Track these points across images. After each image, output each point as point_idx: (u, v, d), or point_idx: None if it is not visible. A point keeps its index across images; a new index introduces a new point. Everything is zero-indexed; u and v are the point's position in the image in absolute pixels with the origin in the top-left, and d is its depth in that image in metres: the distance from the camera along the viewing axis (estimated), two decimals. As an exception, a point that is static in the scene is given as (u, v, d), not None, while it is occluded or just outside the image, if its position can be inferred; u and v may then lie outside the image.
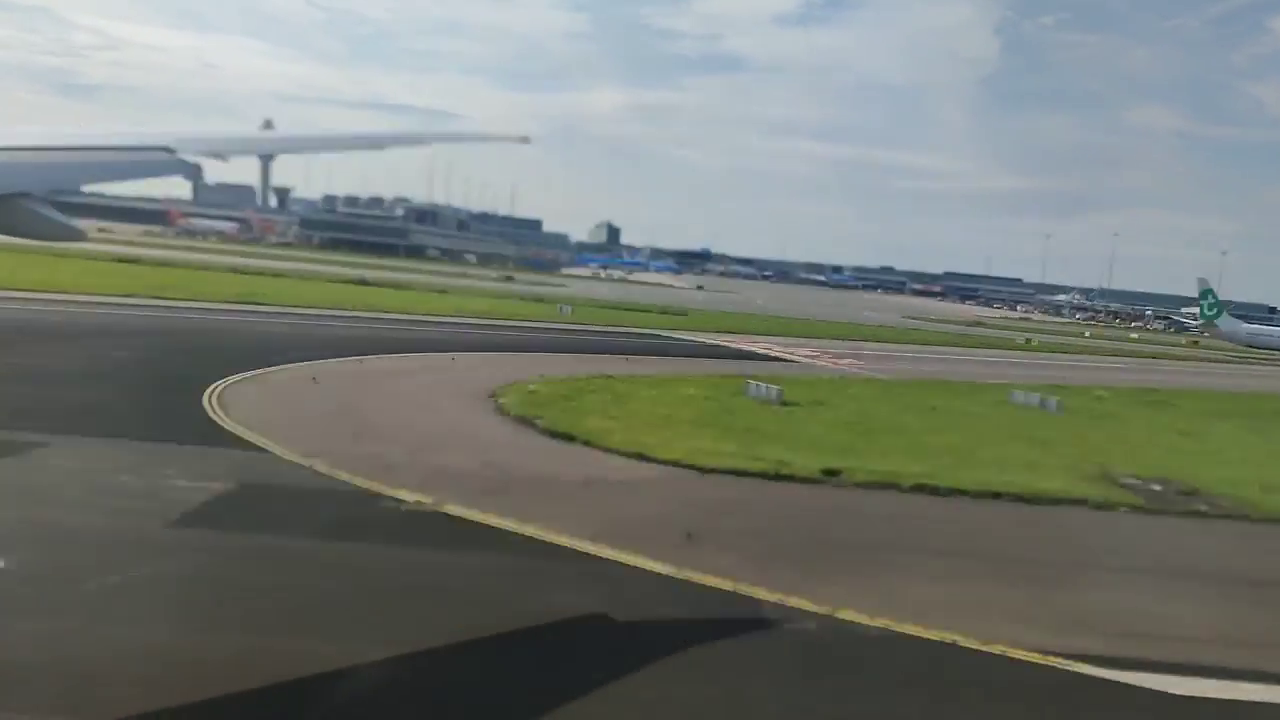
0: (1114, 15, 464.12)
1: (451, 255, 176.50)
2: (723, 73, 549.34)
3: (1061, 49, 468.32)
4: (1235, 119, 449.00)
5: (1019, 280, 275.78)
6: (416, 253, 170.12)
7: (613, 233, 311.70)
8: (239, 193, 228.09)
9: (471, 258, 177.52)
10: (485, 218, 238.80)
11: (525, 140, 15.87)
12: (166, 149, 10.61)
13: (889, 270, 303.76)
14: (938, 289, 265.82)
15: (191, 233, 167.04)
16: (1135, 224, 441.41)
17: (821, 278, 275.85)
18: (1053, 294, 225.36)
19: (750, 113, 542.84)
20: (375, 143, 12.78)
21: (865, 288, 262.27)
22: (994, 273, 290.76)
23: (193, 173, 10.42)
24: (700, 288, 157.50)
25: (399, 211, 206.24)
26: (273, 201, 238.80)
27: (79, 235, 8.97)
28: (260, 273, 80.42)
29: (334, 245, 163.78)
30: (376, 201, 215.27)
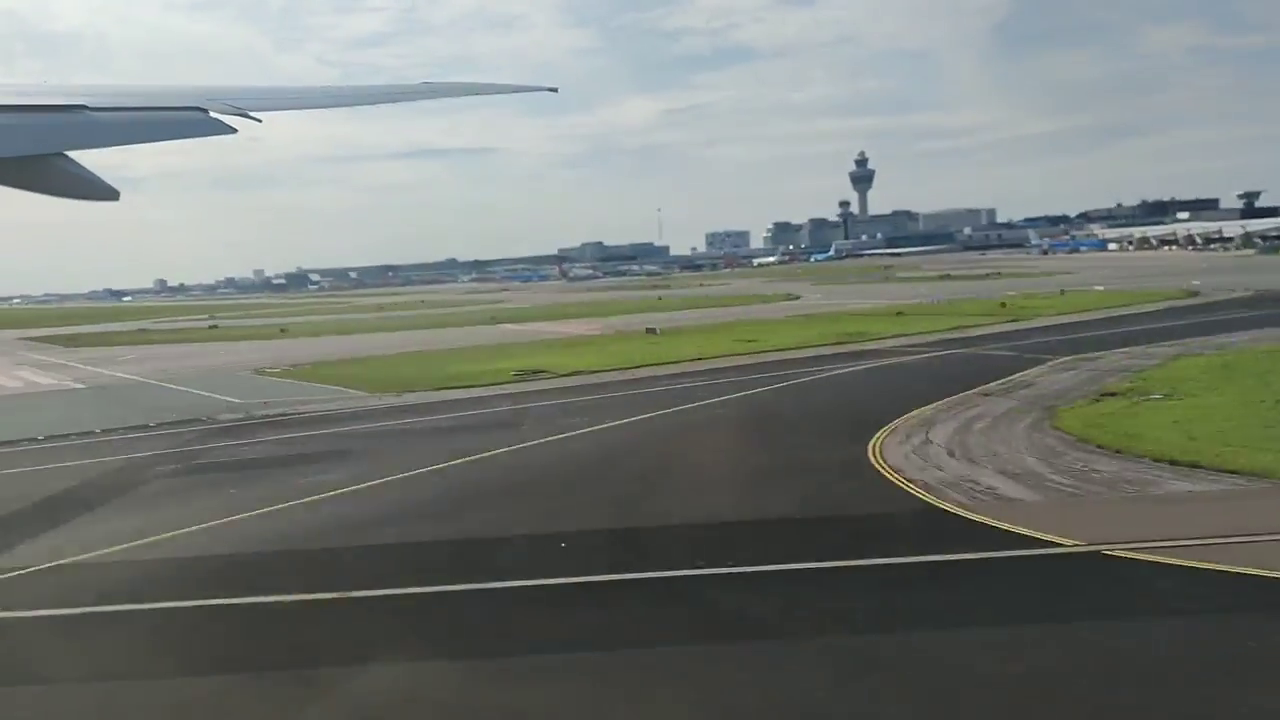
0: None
1: None
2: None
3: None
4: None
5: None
6: None
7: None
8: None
9: None
10: None
11: (554, 90, 16.04)
12: (199, 109, 10.41)
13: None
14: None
15: None
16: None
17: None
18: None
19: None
20: (406, 95, 12.59)
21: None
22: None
23: (226, 130, 10.18)
24: None
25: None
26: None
27: (113, 194, 8.78)
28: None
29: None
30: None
